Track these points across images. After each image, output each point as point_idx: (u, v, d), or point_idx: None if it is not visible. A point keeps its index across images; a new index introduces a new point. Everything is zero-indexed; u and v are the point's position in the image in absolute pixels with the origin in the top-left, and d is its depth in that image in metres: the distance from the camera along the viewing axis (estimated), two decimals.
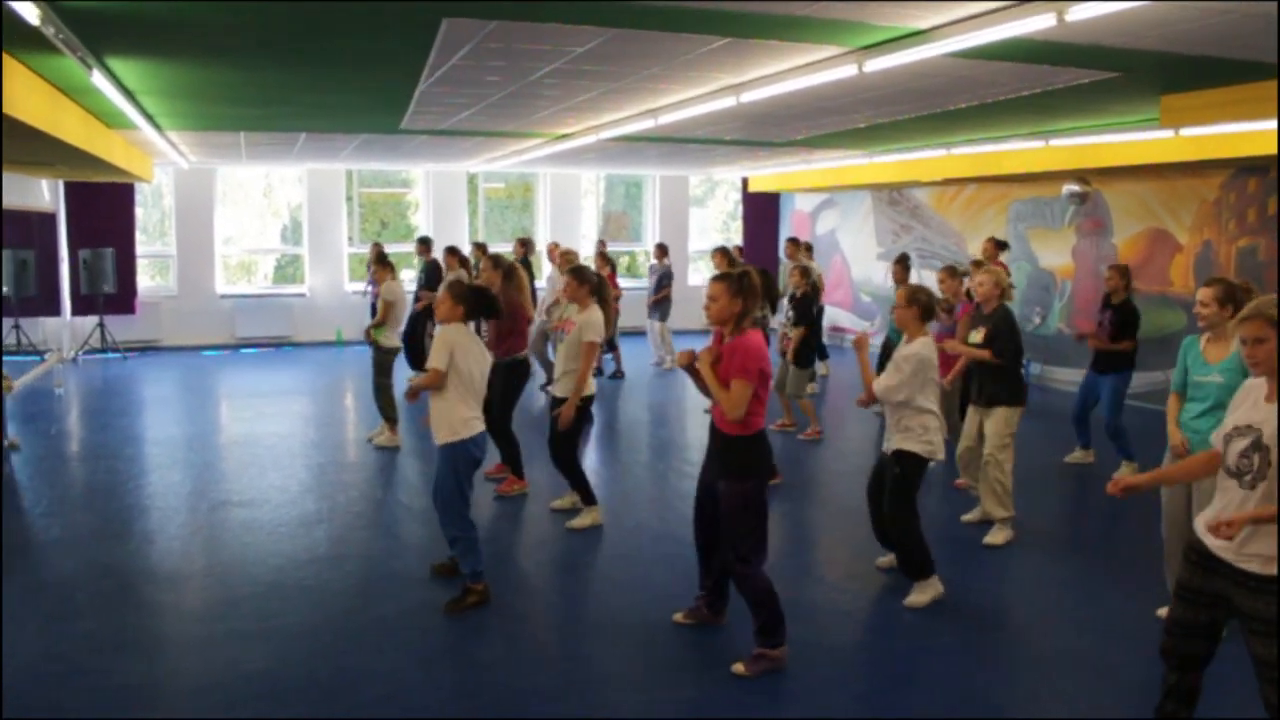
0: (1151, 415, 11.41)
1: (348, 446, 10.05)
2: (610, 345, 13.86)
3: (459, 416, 5.67)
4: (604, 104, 8.80)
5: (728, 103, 7.93)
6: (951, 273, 9.30)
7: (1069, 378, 12.81)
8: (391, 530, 7.46)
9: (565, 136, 11.47)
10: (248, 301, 17.16)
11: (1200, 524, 3.85)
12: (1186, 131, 9.32)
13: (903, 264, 11.18)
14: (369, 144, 12.62)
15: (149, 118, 9.60)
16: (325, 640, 5.37)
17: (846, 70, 6.42)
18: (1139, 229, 12.18)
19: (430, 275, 13.19)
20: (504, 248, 18.73)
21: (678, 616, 5.50)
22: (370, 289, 13.74)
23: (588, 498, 7.31)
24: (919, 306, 5.84)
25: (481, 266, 9.04)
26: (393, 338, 9.79)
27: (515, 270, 8.31)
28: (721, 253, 12.21)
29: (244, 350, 16.70)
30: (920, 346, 5.78)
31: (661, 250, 15.43)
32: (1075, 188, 11.58)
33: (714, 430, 5.04)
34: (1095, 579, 6.41)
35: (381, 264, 10.09)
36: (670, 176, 19.16)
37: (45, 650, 5.20)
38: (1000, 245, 11.29)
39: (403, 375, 10.33)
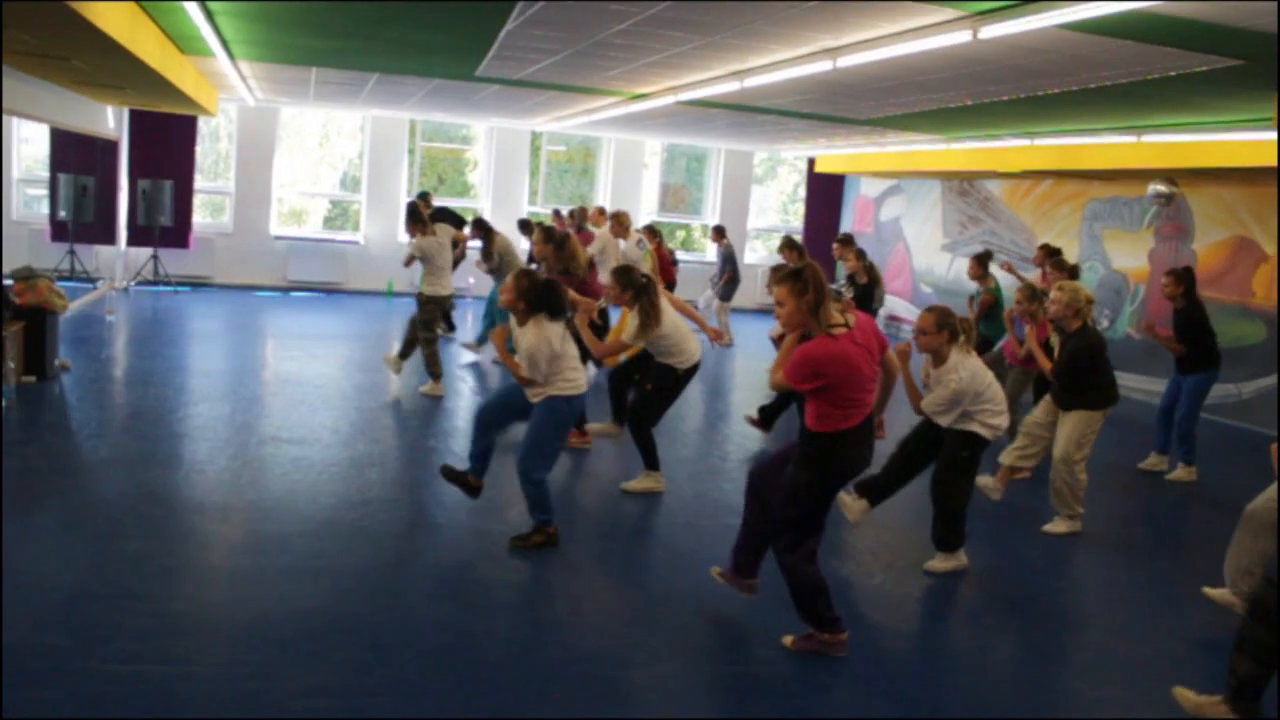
0: (1224, 429, 11.10)
1: (399, 393, 9.86)
2: None
3: (562, 376, 5.73)
4: (690, 61, 8.51)
5: (823, 67, 7.62)
6: (1030, 295, 8.99)
7: (1137, 384, 12.43)
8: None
9: (641, 97, 11.20)
10: (302, 245, 17.01)
11: None
12: None
13: (981, 262, 10.69)
14: (439, 91, 12.39)
15: (225, 44, 9.42)
16: (381, 584, 5.18)
17: (960, 36, 6.12)
18: (1222, 236, 11.77)
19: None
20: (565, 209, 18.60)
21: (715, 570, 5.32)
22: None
23: (651, 462, 7.09)
24: (949, 331, 5.73)
25: (535, 238, 9.10)
26: (436, 285, 9.66)
27: (569, 240, 8.59)
28: (790, 247, 11.76)
29: (294, 293, 16.58)
30: (959, 375, 5.68)
31: (719, 233, 15.20)
32: (1161, 188, 11.19)
33: None
34: (1164, 582, 6.13)
35: (412, 220, 9.86)
36: (735, 151, 18.83)
37: (94, 571, 5.05)
38: (1053, 253, 10.72)
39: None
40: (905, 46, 6.64)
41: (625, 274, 6.99)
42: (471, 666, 4.37)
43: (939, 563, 5.95)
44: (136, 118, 15.41)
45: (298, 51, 9.81)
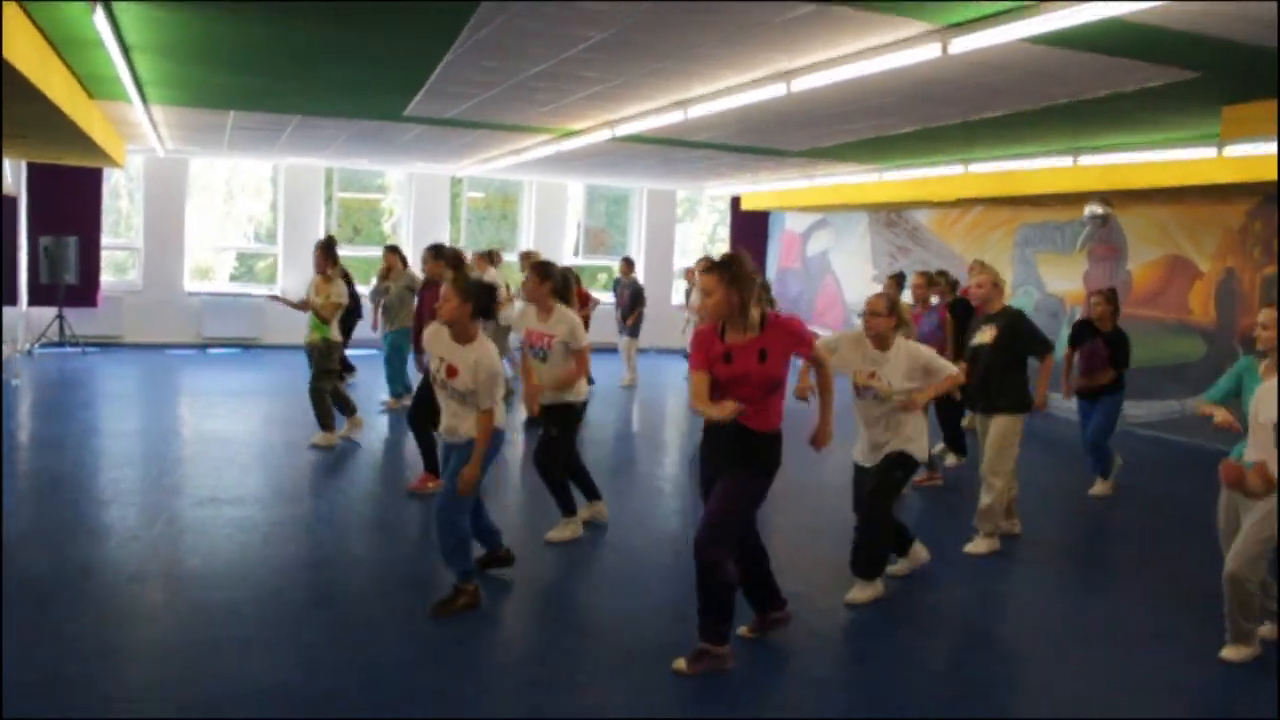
0: (1168, 445, 11.12)
1: (335, 447, 9.34)
2: None
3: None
4: (631, 90, 8.25)
5: (775, 91, 7.41)
6: (929, 280, 9.32)
7: (1073, 405, 12.46)
8: (403, 532, 6.82)
9: (573, 133, 10.92)
10: (217, 300, 16.33)
11: None
12: (1230, 151, 8.99)
13: (897, 281, 10.68)
14: (361, 136, 11.99)
15: (139, 86, 8.91)
16: (351, 650, 4.72)
17: (928, 51, 5.94)
18: (1156, 255, 11.86)
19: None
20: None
21: (743, 630, 5.06)
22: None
23: (567, 506, 6.62)
24: (899, 319, 5.72)
25: (423, 257, 8.75)
26: (334, 331, 9.19)
27: (464, 262, 8.41)
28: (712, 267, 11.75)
29: (211, 350, 15.86)
30: (913, 348, 5.73)
31: (628, 265, 14.75)
32: (1098, 209, 11.25)
33: (733, 427, 4.55)
34: (1115, 600, 5.93)
35: (328, 253, 9.19)
36: (657, 191, 18.67)
37: (24, 658, 4.49)
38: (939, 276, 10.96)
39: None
40: (868, 64, 6.45)
41: (547, 266, 6.58)
42: None
43: (859, 592, 5.68)
44: (35, 172, 14.66)
45: (216, 93, 9.34)
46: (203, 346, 15.98)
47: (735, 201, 18.56)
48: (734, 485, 4.59)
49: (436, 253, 8.63)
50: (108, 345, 15.41)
